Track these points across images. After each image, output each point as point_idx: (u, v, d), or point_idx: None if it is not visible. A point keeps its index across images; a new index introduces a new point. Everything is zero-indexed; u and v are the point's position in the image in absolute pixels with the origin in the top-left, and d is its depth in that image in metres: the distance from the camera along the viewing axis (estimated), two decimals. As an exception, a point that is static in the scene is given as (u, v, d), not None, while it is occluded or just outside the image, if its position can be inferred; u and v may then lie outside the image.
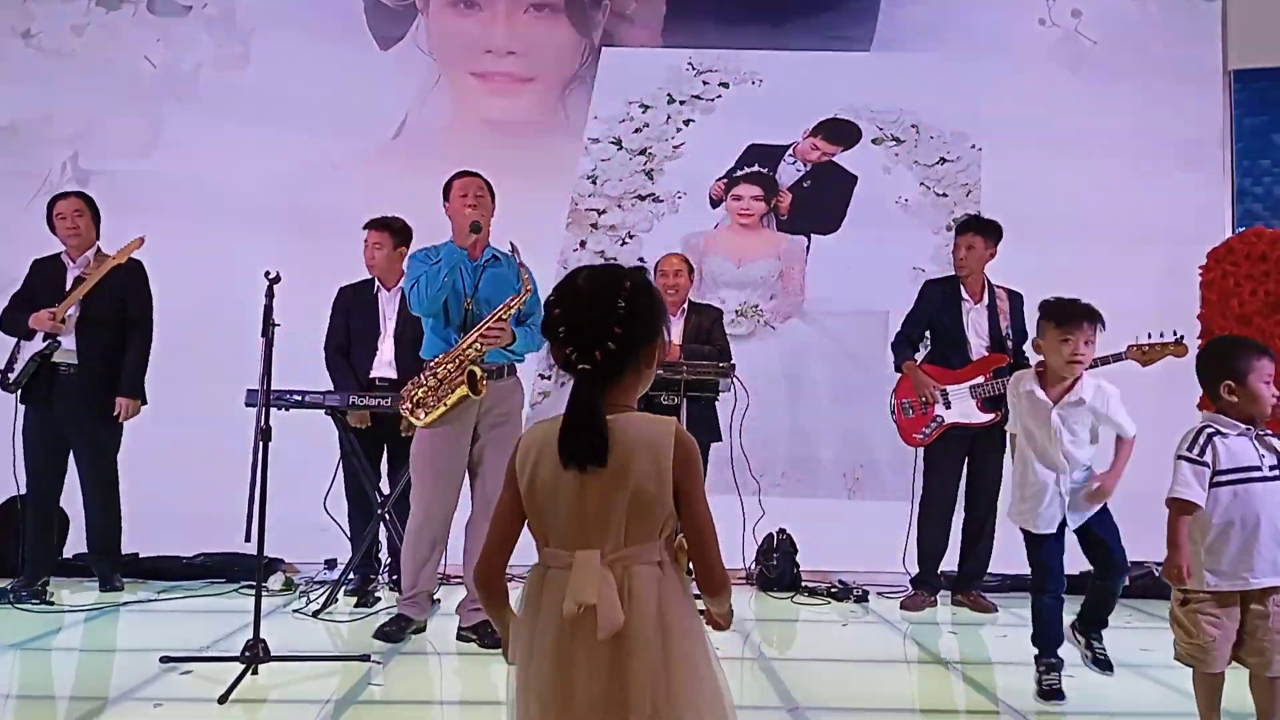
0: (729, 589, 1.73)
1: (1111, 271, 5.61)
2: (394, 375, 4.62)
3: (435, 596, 4.43)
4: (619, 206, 5.94)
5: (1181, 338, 4.48)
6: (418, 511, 3.77)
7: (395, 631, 3.73)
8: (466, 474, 3.82)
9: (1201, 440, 2.58)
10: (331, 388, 4.58)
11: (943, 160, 5.91)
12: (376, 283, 4.74)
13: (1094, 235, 5.70)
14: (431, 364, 3.71)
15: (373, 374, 4.64)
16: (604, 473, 1.60)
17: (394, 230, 4.70)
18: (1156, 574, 5.04)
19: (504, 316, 3.69)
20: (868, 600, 4.77)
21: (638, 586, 1.61)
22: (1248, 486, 2.54)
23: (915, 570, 4.76)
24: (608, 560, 1.60)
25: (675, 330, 4.92)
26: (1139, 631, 4.30)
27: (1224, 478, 2.55)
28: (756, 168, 5.95)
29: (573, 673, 1.60)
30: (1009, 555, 4.79)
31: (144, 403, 4.70)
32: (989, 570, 4.81)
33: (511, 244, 3.80)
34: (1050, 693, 3.23)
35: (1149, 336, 4.47)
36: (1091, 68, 5.87)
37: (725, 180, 5.96)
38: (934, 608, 4.69)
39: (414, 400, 3.69)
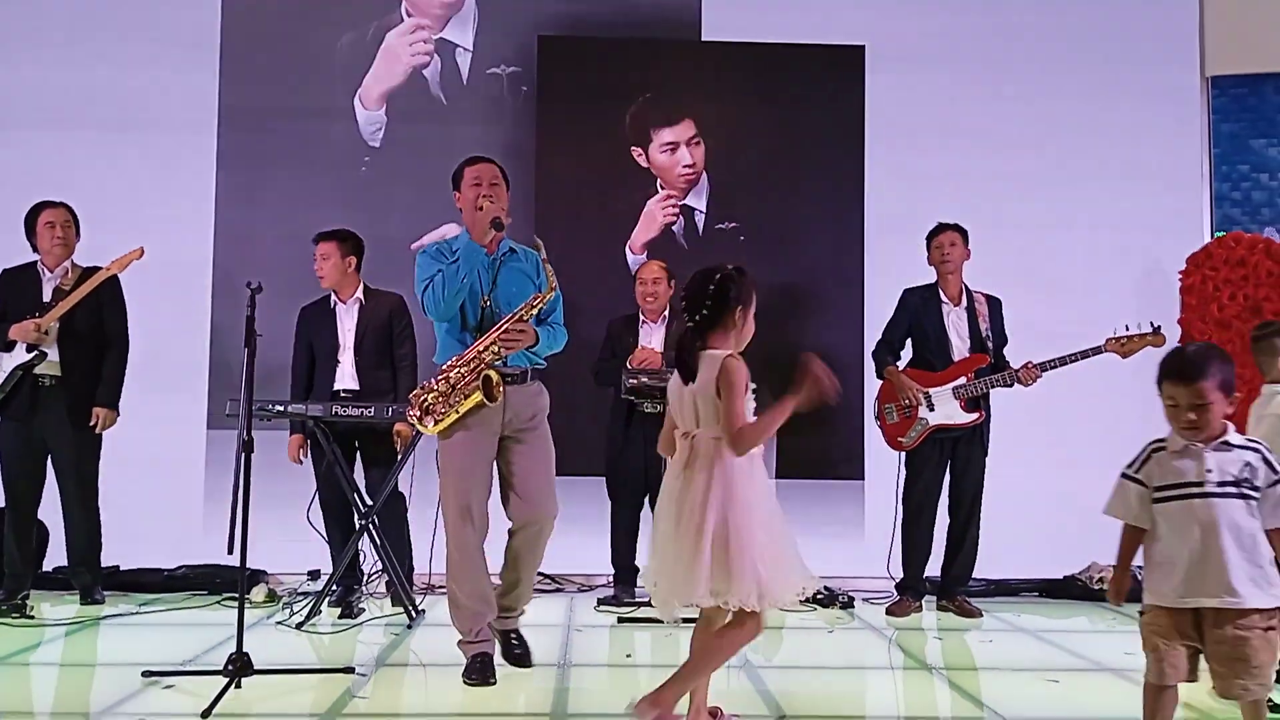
0: (744, 445, 2.62)
1: (1089, 276, 5.67)
2: (356, 387, 4.63)
3: (420, 607, 4.42)
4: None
5: (1159, 328, 4.55)
6: (451, 535, 3.42)
7: (481, 673, 3.35)
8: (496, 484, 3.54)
9: (1140, 456, 2.51)
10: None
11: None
12: (333, 297, 4.72)
13: (1073, 240, 5.75)
14: (444, 368, 3.41)
15: (337, 386, 4.63)
16: (693, 384, 2.69)
17: (341, 240, 4.69)
18: (1139, 578, 5.12)
19: (525, 317, 3.42)
20: (853, 606, 4.77)
21: (699, 448, 2.67)
22: (1188, 503, 2.42)
23: (900, 576, 4.77)
24: (690, 435, 2.70)
25: (657, 338, 4.92)
26: (1122, 635, 4.32)
27: (1164, 494, 2.45)
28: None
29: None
30: (995, 559, 4.84)
31: (118, 414, 4.67)
32: (974, 575, 4.83)
33: (536, 239, 3.55)
34: None
35: (1126, 329, 4.52)
36: (1069, 72, 5.90)
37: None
38: (920, 613, 4.70)
39: (422, 406, 3.39)
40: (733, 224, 5.80)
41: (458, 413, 3.37)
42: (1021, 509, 5.35)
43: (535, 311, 3.46)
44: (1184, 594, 2.40)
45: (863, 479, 5.54)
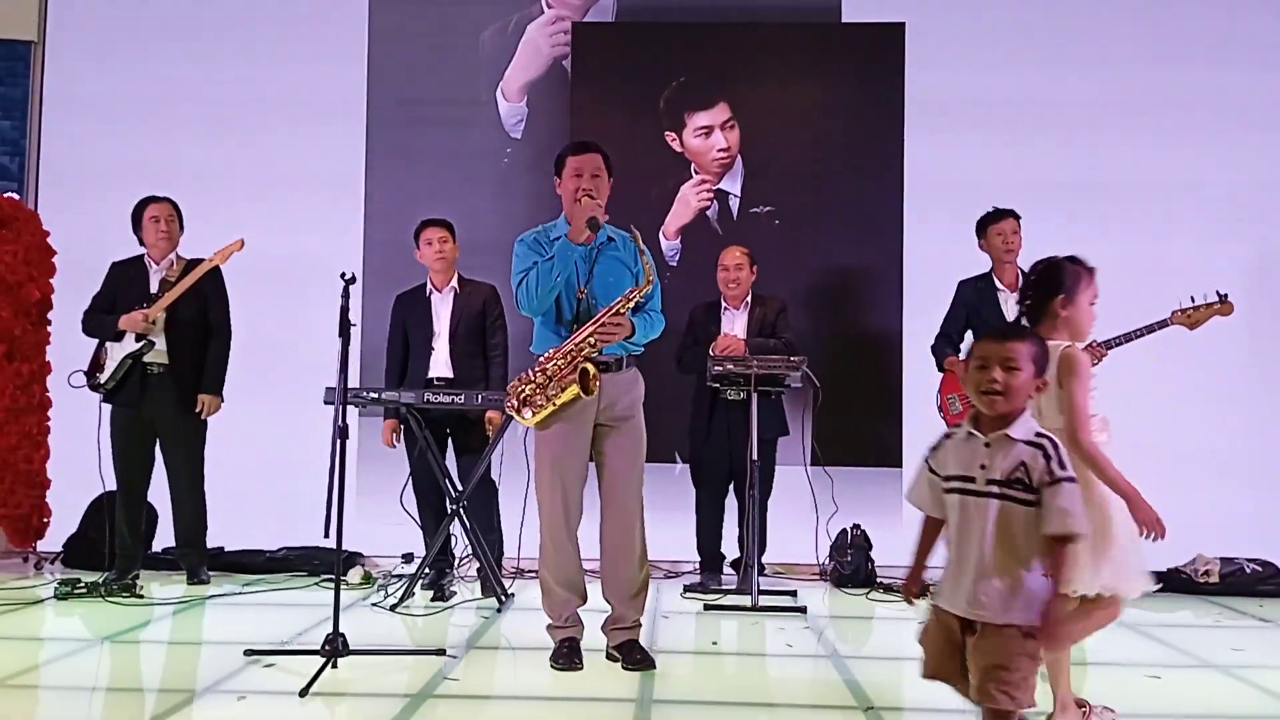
0: (1086, 436, 2.67)
1: (1149, 254, 5.50)
2: (450, 374, 4.69)
3: (510, 591, 4.48)
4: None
5: (1225, 296, 4.34)
6: (545, 522, 3.44)
7: (568, 658, 3.38)
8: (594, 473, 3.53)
9: (938, 440, 2.32)
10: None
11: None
12: (429, 285, 4.79)
13: (1127, 220, 5.64)
14: (541, 359, 3.39)
15: (431, 374, 4.70)
16: None
17: (450, 228, 4.78)
18: (1248, 570, 4.94)
19: (622, 310, 3.38)
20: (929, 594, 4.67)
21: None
22: (963, 500, 2.20)
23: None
24: None
25: (739, 324, 4.89)
26: (1229, 631, 4.17)
27: (948, 485, 2.24)
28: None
29: None
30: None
31: (223, 400, 4.82)
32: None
33: (631, 228, 3.51)
34: None
35: (1191, 299, 4.34)
36: (1123, 40, 5.78)
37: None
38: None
39: (520, 398, 3.39)
40: (768, 208, 5.73)
41: (554, 405, 3.36)
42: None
43: (632, 305, 3.42)
44: (943, 596, 2.22)
45: (901, 466, 5.44)
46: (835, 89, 5.81)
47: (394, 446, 4.72)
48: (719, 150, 5.78)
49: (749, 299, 4.91)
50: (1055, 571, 2.12)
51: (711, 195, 5.76)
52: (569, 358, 3.35)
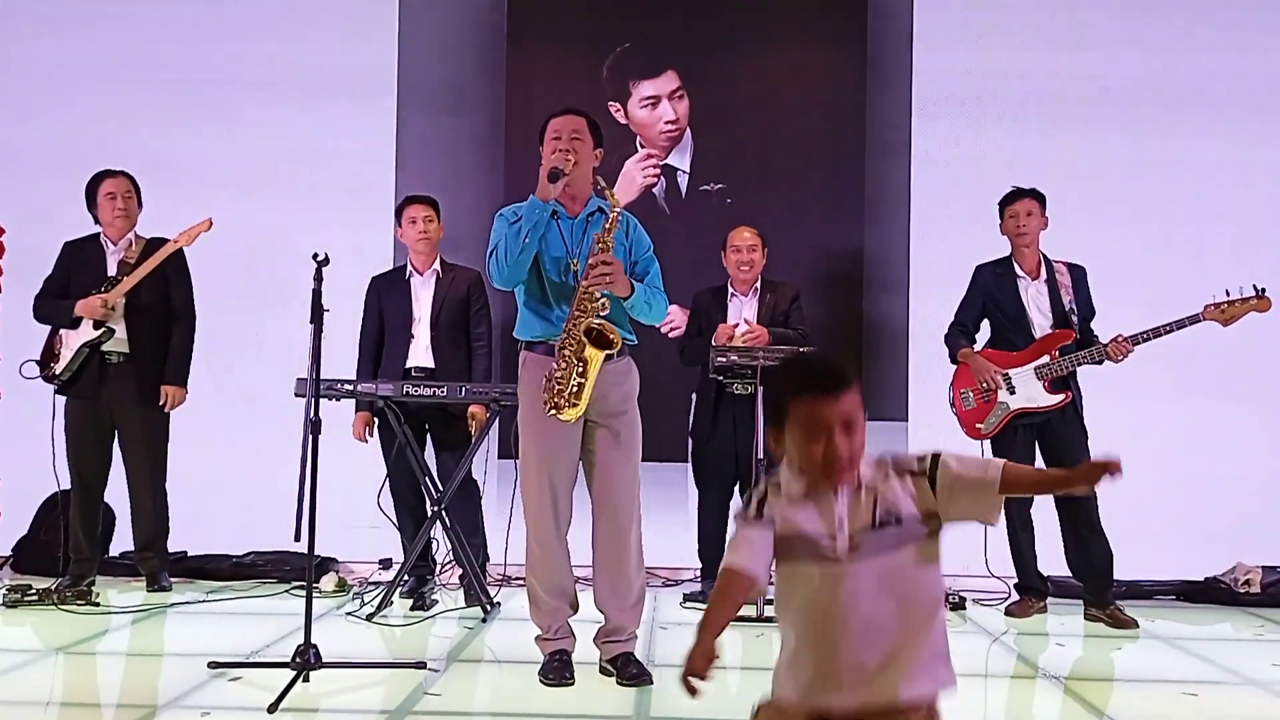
0: None
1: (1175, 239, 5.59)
2: (430, 364, 4.67)
3: (496, 600, 4.48)
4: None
5: (1263, 291, 4.36)
6: (531, 526, 3.43)
7: (558, 672, 3.37)
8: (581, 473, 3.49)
9: (757, 496, 1.90)
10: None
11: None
12: (409, 267, 4.78)
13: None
14: (551, 367, 3.32)
15: (409, 363, 4.68)
16: None
17: (435, 205, 4.76)
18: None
19: (605, 245, 3.29)
20: (965, 608, 4.69)
21: None
22: (821, 571, 1.83)
23: (998, 573, 4.69)
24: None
25: (749, 310, 4.88)
26: (1271, 645, 4.17)
27: (789, 551, 1.86)
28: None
29: None
30: (1126, 559, 4.67)
31: (186, 392, 4.81)
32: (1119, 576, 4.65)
33: (597, 180, 3.44)
34: None
35: (1226, 293, 4.35)
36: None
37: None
38: (1043, 614, 4.59)
39: (553, 405, 3.30)
40: (719, 185, 5.71)
41: (589, 380, 3.27)
42: (1156, 502, 5.21)
43: (610, 235, 3.33)
44: (811, 693, 1.84)
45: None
46: (792, 58, 5.76)
47: (365, 441, 4.70)
48: (666, 122, 5.75)
49: (758, 284, 4.90)
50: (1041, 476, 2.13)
51: (658, 171, 5.72)
52: (574, 329, 3.30)
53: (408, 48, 5.88)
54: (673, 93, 5.74)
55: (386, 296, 4.79)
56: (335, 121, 5.86)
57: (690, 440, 4.97)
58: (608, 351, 3.29)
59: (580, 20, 5.79)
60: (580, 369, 3.28)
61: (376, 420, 4.66)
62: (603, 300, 3.30)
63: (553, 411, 3.31)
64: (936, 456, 1.86)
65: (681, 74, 5.74)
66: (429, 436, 4.73)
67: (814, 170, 5.67)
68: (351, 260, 4.72)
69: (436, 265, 4.79)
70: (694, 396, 4.95)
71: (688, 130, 5.72)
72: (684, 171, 5.72)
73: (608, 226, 3.35)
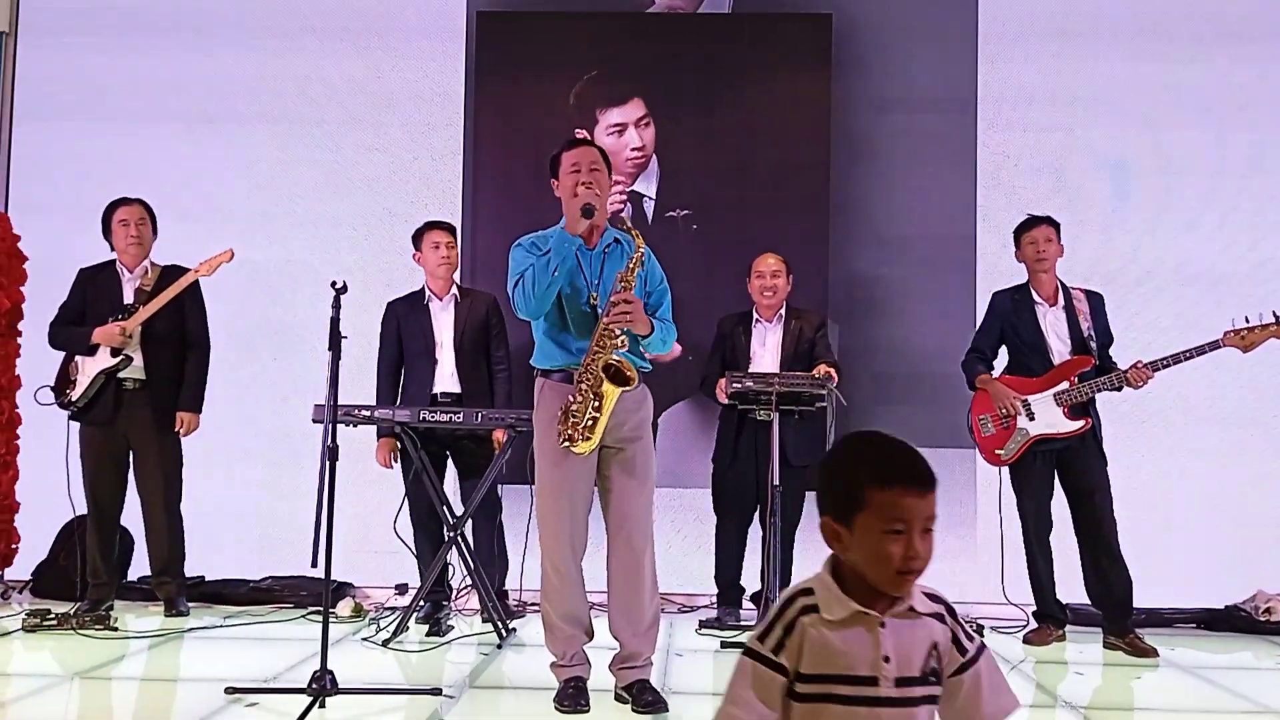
0: None
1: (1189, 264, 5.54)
2: (457, 389, 4.70)
3: (511, 626, 4.48)
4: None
5: None
6: (546, 551, 3.43)
7: (573, 700, 3.34)
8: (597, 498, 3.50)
9: (777, 617, 1.66)
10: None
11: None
12: (427, 292, 4.81)
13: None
14: (568, 399, 3.34)
15: (435, 389, 4.71)
16: None
17: (453, 231, 4.80)
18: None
19: (628, 285, 3.32)
20: (983, 635, 4.65)
21: None
22: (853, 712, 1.60)
23: (1016, 600, 4.68)
24: None
25: (773, 337, 4.88)
26: (1293, 674, 4.14)
27: (814, 688, 1.62)
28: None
29: None
30: (1145, 586, 4.63)
31: (199, 418, 4.84)
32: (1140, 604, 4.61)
33: (621, 217, 3.41)
34: None
35: (1246, 320, 4.34)
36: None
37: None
38: (1062, 642, 4.57)
39: (567, 438, 3.33)
40: (684, 211, 5.72)
41: (604, 415, 3.31)
42: (1175, 529, 5.20)
43: (634, 274, 3.36)
44: None
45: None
46: (758, 84, 5.78)
47: (390, 467, 4.73)
48: (633, 149, 5.78)
49: (783, 311, 4.91)
50: None
51: (624, 197, 5.75)
52: (592, 364, 3.32)
53: (377, 70, 5.94)
54: (639, 120, 5.80)
55: (406, 321, 4.81)
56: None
57: (712, 466, 4.97)
58: (625, 389, 3.31)
59: (547, 47, 5.84)
60: (596, 404, 3.31)
61: (399, 445, 4.68)
62: (622, 337, 3.33)
63: (566, 444, 3.33)
64: (982, 649, 1.68)
65: (648, 101, 5.80)
66: (449, 461, 4.74)
67: (781, 195, 5.70)
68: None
69: (454, 290, 4.82)
70: (718, 423, 4.96)
71: (654, 157, 5.77)
72: (650, 198, 5.77)
73: (631, 266, 3.38)
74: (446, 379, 4.73)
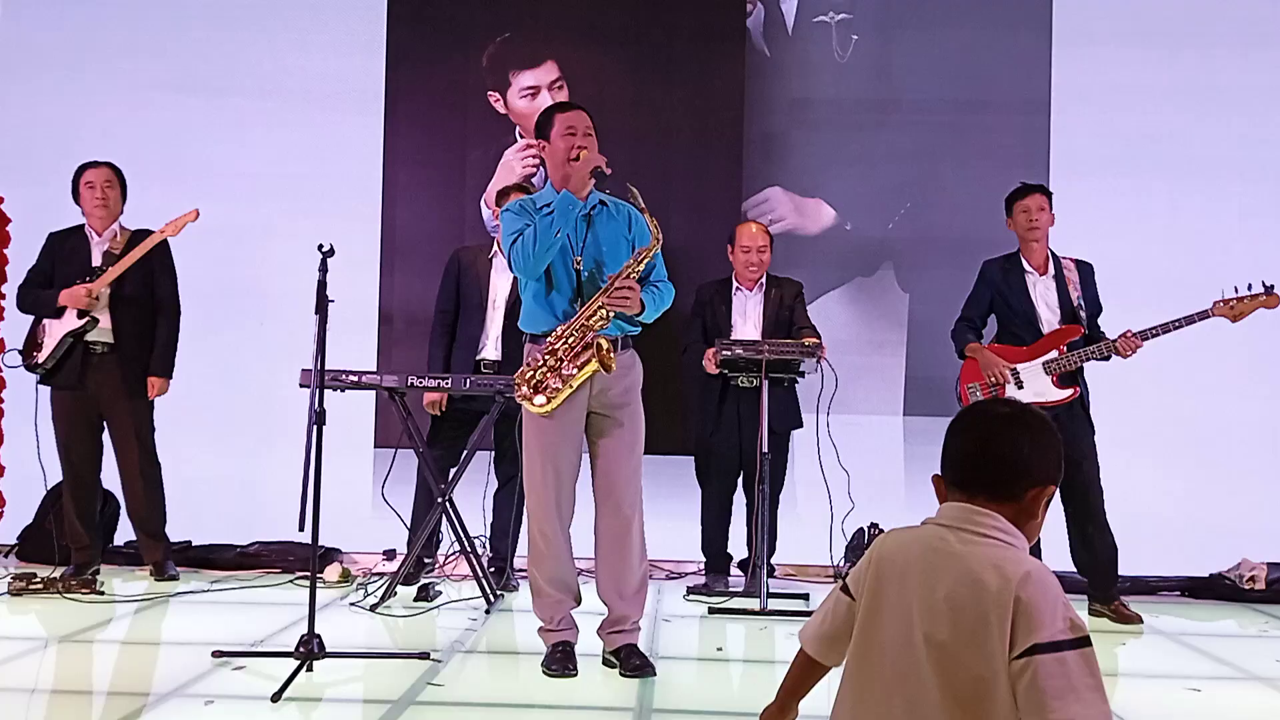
0: None
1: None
2: (498, 357, 4.68)
3: (499, 592, 4.49)
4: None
5: (1272, 287, 4.36)
6: (533, 517, 3.44)
7: (561, 664, 3.38)
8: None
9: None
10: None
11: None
12: (495, 246, 4.78)
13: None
14: (549, 339, 3.36)
15: (480, 355, 4.70)
16: None
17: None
18: None
19: (633, 274, 3.35)
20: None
21: None
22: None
23: None
24: None
25: (754, 306, 4.88)
26: (1276, 641, 4.17)
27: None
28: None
29: None
30: (1130, 554, 4.65)
31: (169, 382, 4.82)
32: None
33: (629, 187, 3.43)
34: None
35: (1235, 289, 4.35)
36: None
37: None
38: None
39: (531, 384, 3.34)
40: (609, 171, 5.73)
41: (571, 387, 3.33)
42: (1160, 497, 5.22)
43: (641, 267, 3.38)
44: None
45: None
46: (671, 52, 5.74)
47: (438, 413, 4.73)
48: None
49: (763, 279, 4.90)
50: None
51: (537, 161, 5.68)
52: (581, 333, 3.32)
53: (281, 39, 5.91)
54: (552, 83, 5.76)
55: (466, 272, 4.79)
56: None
57: (693, 434, 4.96)
58: (595, 369, 3.31)
59: (460, 9, 5.78)
60: (572, 372, 3.31)
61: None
62: (610, 316, 3.34)
63: (525, 392, 3.36)
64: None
65: (562, 65, 5.76)
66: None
67: (689, 165, 5.68)
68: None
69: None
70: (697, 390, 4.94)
71: None
72: None
73: (642, 256, 3.38)
74: (491, 346, 4.71)
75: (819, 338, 4.64)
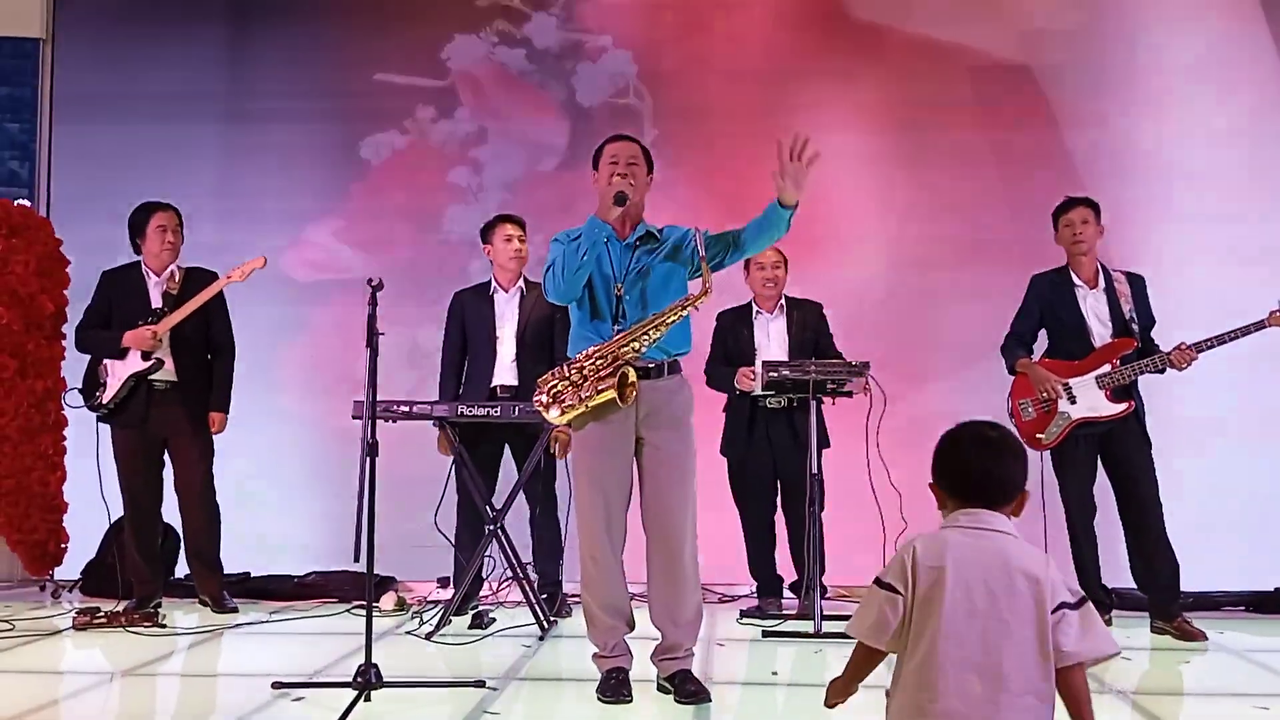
0: None
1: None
2: (515, 382, 4.70)
3: (551, 618, 4.50)
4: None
5: None
6: (584, 542, 3.45)
7: (616, 690, 3.36)
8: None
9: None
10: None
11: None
12: (493, 283, 4.84)
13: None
14: (578, 357, 3.41)
15: (494, 381, 4.73)
16: None
17: (524, 225, 4.80)
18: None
19: (670, 321, 3.35)
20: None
21: None
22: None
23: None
24: None
25: (775, 329, 4.87)
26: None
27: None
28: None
29: None
30: (1193, 569, 4.57)
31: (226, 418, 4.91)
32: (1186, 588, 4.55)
33: (696, 228, 3.44)
34: None
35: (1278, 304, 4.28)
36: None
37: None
38: (1108, 627, 4.52)
39: (551, 393, 3.42)
40: None
41: (586, 407, 3.36)
42: (1222, 510, 5.12)
43: (684, 314, 3.39)
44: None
45: None
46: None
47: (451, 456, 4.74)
48: None
49: (782, 302, 4.90)
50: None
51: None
52: (610, 359, 3.35)
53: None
54: None
55: (469, 312, 4.85)
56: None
57: (725, 458, 4.91)
58: (615, 398, 3.31)
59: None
60: (590, 394, 3.33)
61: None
62: (642, 349, 3.36)
63: (544, 400, 3.42)
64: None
65: None
66: (508, 453, 4.79)
67: None
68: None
69: (520, 283, 4.84)
70: (724, 414, 4.93)
71: None
72: None
73: (684, 302, 3.38)
74: (505, 371, 4.74)
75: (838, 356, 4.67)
